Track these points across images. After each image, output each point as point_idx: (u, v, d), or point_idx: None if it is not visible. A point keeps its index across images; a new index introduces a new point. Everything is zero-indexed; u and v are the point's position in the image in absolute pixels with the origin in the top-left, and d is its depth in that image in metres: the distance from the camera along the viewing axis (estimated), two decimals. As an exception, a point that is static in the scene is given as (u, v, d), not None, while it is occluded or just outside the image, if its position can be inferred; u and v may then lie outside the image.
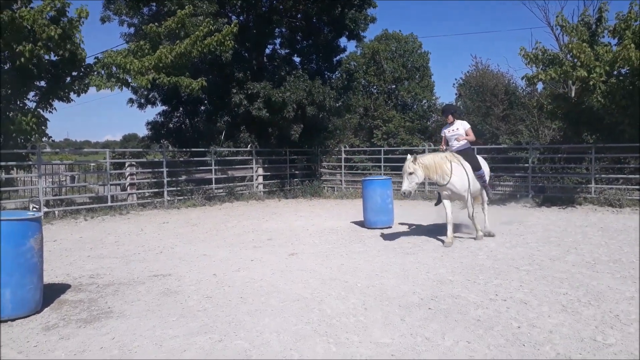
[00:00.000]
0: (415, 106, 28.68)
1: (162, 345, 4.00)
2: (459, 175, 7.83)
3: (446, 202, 8.08)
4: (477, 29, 68.46)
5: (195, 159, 15.54)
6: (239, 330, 4.28)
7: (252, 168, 16.25)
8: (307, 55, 17.52)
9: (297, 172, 17.57)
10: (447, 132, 8.48)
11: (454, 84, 33.85)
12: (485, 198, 8.70)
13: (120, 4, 16.34)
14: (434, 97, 35.06)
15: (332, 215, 12.16)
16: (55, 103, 11.87)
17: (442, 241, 7.97)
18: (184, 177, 14.71)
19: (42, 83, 11.59)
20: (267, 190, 16.43)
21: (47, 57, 10.83)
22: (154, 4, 16.09)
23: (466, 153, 8.26)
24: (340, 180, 17.43)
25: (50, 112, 11.81)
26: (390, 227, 9.89)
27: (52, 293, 5.36)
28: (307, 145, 18.14)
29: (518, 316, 4.50)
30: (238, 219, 11.56)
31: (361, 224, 10.32)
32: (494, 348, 3.82)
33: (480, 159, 8.60)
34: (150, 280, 5.97)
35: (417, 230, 9.57)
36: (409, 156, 7.73)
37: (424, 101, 30.52)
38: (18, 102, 11.37)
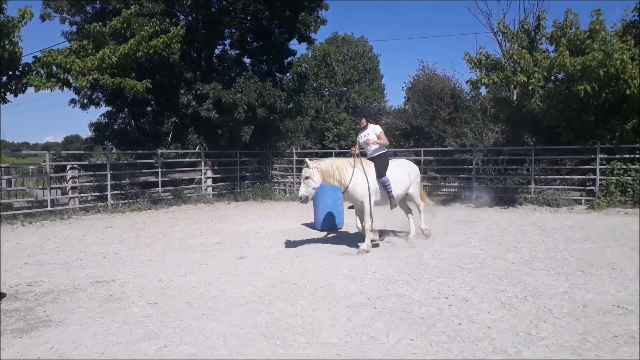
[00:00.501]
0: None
1: (104, 353, 3.90)
2: (359, 182, 7.57)
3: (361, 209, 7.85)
4: (425, 33, 70.47)
5: (141, 161, 15.12)
6: (184, 336, 4.22)
7: (200, 170, 15.97)
8: (258, 57, 17.43)
9: (247, 174, 17.42)
10: (360, 137, 8.17)
11: (402, 87, 34.67)
12: (418, 203, 8.48)
13: (61, 1, 15.71)
14: (384, 100, 35.84)
15: (283, 217, 12.16)
16: (-8, 104, 11.24)
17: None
18: (128, 180, 14.27)
19: (-26, 82, 10.95)
20: (216, 193, 16.20)
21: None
22: (98, 2, 15.56)
23: (379, 158, 7.89)
24: (292, 183, 17.44)
25: (-18, 112, 11.19)
26: (340, 229, 10.03)
27: (-16, 303, 5.10)
28: (258, 147, 18.03)
29: (459, 313, 4.68)
30: (186, 223, 11.34)
31: (312, 225, 10.40)
32: (435, 345, 3.96)
33: (398, 165, 8.19)
34: (92, 287, 5.77)
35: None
36: (306, 160, 7.68)
37: (374, 104, 31.09)
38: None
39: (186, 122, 16.66)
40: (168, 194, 14.88)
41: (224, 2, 16.13)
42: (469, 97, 20.24)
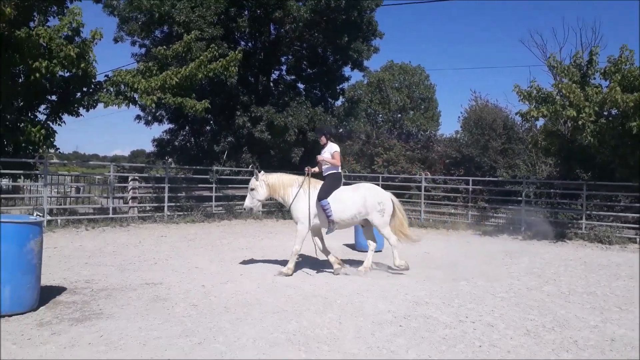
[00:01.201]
0: (419, 135, 29.25)
1: (146, 344, 4.31)
2: (301, 203, 7.49)
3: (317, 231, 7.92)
4: (477, 63, 69.76)
5: (197, 176, 15.95)
6: (218, 336, 4.59)
7: (252, 188, 16.61)
8: (311, 82, 18.11)
9: (296, 194, 17.89)
10: (321, 153, 7.91)
11: (459, 117, 34.49)
12: (385, 235, 7.89)
13: (134, 26, 17.07)
14: (437, 128, 35.74)
15: (326, 237, 12.42)
16: (65, 117, 12.40)
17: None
18: (184, 194, 15.09)
19: (54, 97, 12.13)
20: (265, 210, 16.75)
21: (61, 73, 11.35)
22: (165, 27, 16.77)
23: (327, 179, 7.66)
24: (338, 205, 17.72)
25: (59, 124, 12.34)
26: (381, 251, 10.18)
27: (48, 294, 5.69)
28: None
29: (482, 337, 4.78)
30: (234, 237, 11.87)
31: (353, 246, 10.62)
32: (452, 363, 4.11)
33: (356, 189, 7.81)
34: (141, 288, 6.29)
35: (403, 253, 9.82)
36: (255, 171, 7.73)
37: (427, 131, 31.08)
38: (29, 114, 11.88)
39: (241, 141, 17.45)
40: (221, 208, 15.58)
41: (282, 30, 16.95)
42: (522, 129, 19.95)
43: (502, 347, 4.49)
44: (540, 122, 17.21)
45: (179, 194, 14.92)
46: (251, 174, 16.17)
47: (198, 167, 16.07)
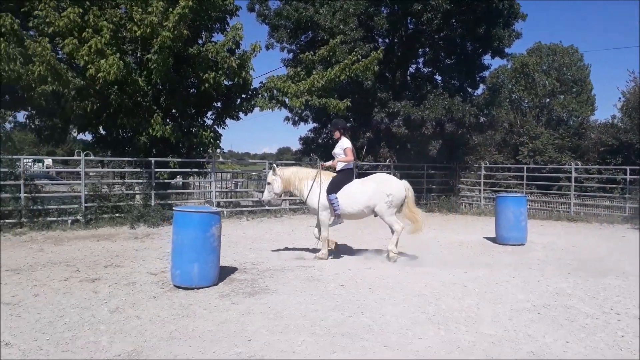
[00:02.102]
0: (571, 122, 27.03)
1: (305, 315, 5.12)
2: (314, 195, 7.84)
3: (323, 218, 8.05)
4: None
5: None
6: (365, 312, 5.24)
7: (390, 181, 17.17)
8: (449, 73, 17.99)
9: (434, 186, 18.03)
10: (335, 147, 8.20)
11: (619, 101, 31.06)
12: (389, 223, 8.09)
13: (282, 33, 18.64)
14: (592, 113, 32.52)
15: (465, 230, 12.52)
16: (227, 121, 14.20)
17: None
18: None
19: (219, 104, 13.98)
20: (405, 203, 17.18)
21: (225, 82, 13.05)
22: (310, 32, 18.04)
23: (340, 174, 7.97)
24: (479, 197, 17.45)
25: (223, 128, 14.21)
26: (523, 245, 10.03)
27: (224, 273, 6.87)
28: (445, 161, 18.50)
29: (626, 328, 4.75)
30: (374, 227, 12.49)
31: (493, 240, 10.60)
32: (590, 349, 4.23)
33: (366, 181, 8.06)
34: (298, 269, 7.23)
35: (550, 247, 9.60)
36: (274, 165, 8.09)
37: (579, 117, 28.58)
38: (200, 120, 13.88)
39: (379, 137, 18.09)
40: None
41: (419, 24, 17.13)
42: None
43: (648, 340, 4.44)
44: None
45: (323, 188, 16.06)
46: (388, 167, 16.88)
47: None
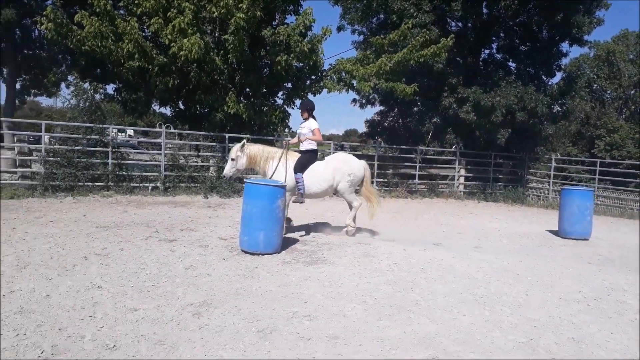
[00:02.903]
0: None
1: (358, 286, 5.52)
2: (279, 175, 7.74)
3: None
4: None
5: (403, 155, 17.08)
6: (415, 288, 5.55)
7: (454, 168, 17.09)
8: (524, 60, 17.42)
9: (501, 176, 17.71)
10: (300, 127, 8.16)
11: None
12: (349, 200, 8.25)
13: (354, 15, 18.80)
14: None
15: (529, 221, 12.36)
16: (296, 101, 14.69)
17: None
18: (390, 171, 16.40)
19: (289, 85, 14.50)
20: (467, 191, 17.06)
21: (295, 64, 13.51)
22: (382, 15, 18.07)
23: (305, 154, 7.97)
24: (548, 190, 16.96)
25: (292, 108, 14.73)
26: (587, 240, 9.84)
27: (286, 243, 7.39)
28: (514, 150, 18.06)
29: (678, 326, 4.75)
30: (434, 213, 12.68)
31: (556, 233, 10.45)
32: (633, 341, 4.31)
33: (329, 160, 8.20)
34: (354, 245, 7.62)
35: (615, 244, 9.36)
36: (244, 141, 7.93)
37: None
38: (271, 99, 14.48)
39: (447, 122, 17.93)
40: (423, 186, 16.50)
41: (494, 11, 16.69)
42: None
43: (699, 339, 4.44)
44: None
45: (386, 171, 16.28)
46: (454, 154, 16.77)
47: (404, 147, 17.18)
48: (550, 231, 10.74)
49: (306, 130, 7.98)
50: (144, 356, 3.53)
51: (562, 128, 18.96)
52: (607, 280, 6.46)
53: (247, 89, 13.83)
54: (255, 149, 7.89)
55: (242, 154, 7.76)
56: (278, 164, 7.84)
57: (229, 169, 7.86)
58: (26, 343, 3.61)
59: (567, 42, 16.70)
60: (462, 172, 17.17)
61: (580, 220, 9.77)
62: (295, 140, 8.38)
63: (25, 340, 3.66)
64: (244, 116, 12.94)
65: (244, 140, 8.02)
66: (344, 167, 8.18)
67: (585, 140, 19.42)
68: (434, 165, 17.30)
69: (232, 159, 7.76)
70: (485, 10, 17.18)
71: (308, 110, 8.15)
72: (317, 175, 7.99)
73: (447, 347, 3.97)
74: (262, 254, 6.61)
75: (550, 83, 17.59)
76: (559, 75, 18.02)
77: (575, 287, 6.00)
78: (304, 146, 8.05)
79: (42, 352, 3.50)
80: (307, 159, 7.97)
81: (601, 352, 4.07)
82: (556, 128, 18.30)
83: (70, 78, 17.86)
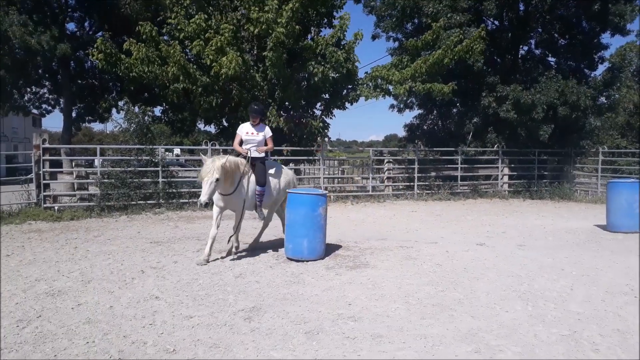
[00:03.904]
0: None
1: (401, 287, 5.68)
2: (243, 190, 7.00)
3: (215, 213, 7.06)
4: None
5: (444, 157, 17.02)
6: (457, 287, 5.66)
7: (497, 167, 16.87)
8: (564, 54, 17.06)
9: (546, 173, 17.33)
10: (246, 133, 7.34)
11: None
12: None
13: (389, 22, 18.97)
14: None
15: (576, 217, 12.09)
16: (335, 111, 15.02)
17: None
18: (432, 174, 16.38)
19: (326, 95, 14.82)
20: (512, 190, 16.79)
21: (332, 75, 13.82)
22: (416, 19, 18.15)
23: (260, 163, 7.30)
24: (596, 184, 16.46)
25: (330, 118, 15.04)
26: (636, 233, 9.55)
27: (330, 249, 7.62)
28: (558, 146, 17.63)
29: None
30: (478, 214, 12.60)
31: (604, 227, 10.21)
32: (680, 331, 4.29)
33: (277, 170, 7.62)
34: (396, 249, 7.78)
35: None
36: (207, 157, 6.78)
37: None
38: (310, 111, 14.85)
39: (487, 122, 17.74)
40: (466, 187, 16.38)
41: (530, 7, 16.47)
42: None
43: None
44: None
45: (427, 174, 16.29)
46: (496, 153, 16.56)
47: (445, 149, 17.12)
48: (599, 226, 10.48)
49: (261, 137, 7.35)
50: (201, 358, 3.84)
51: (609, 120, 18.33)
52: (658, 272, 6.35)
53: (287, 103, 14.25)
54: (230, 160, 6.74)
55: (220, 170, 6.43)
56: (241, 178, 6.96)
57: (210, 193, 6.40)
58: (95, 349, 3.99)
59: (608, 32, 16.25)
60: (506, 170, 16.92)
61: (629, 213, 9.51)
62: (244, 150, 7.32)
63: (94, 347, 4.04)
64: (284, 129, 13.35)
65: (205, 156, 7.25)
66: (290, 176, 8.07)
67: (635, 131, 18.69)
68: (476, 165, 17.13)
69: (217, 179, 6.39)
70: (521, 7, 16.97)
71: (261, 116, 7.58)
72: (274, 186, 7.56)
73: (489, 342, 4.09)
74: (307, 261, 6.88)
75: (593, 75, 17.12)
76: (603, 67, 17.40)
77: (622, 280, 5.94)
78: (254, 153, 7.29)
79: (110, 357, 3.87)
80: (264, 169, 7.34)
81: (646, 343, 4.08)
82: (602, 120, 17.72)
83: (120, 103, 18.90)
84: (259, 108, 7.55)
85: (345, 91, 14.65)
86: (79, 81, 20.03)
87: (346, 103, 14.69)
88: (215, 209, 7.04)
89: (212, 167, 6.36)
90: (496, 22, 18.21)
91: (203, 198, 6.33)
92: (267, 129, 7.53)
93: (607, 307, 4.93)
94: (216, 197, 6.82)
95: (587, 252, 7.70)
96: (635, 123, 18.45)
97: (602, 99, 16.77)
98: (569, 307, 4.97)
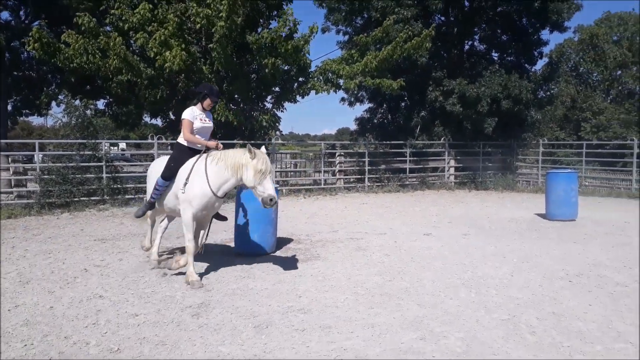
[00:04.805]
0: (642, 95, 25.60)
1: (350, 278, 5.75)
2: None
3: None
4: None
5: (393, 150, 17.33)
6: (404, 276, 5.79)
7: (444, 160, 17.35)
8: (505, 50, 17.73)
9: (490, 164, 17.98)
10: (200, 120, 6.04)
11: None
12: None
13: (338, 16, 19.05)
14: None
15: (518, 207, 12.61)
16: (286, 104, 14.92)
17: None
18: (382, 167, 16.65)
19: (277, 88, 14.71)
20: (458, 181, 17.33)
21: (283, 67, 13.71)
22: (365, 13, 18.32)
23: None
24: (537, 175, 17.25)
25: (281, 111, 14.96)
26: (574, 220, 10.09)
27: (281, 243, 7.63)
28: (501, 139, 18.33)
29: (653, 295, 5.00)
30: (426, 205, 12.92)
31: (544, 216, 10.70)
32: (611, 311, 4.57)
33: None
34: (347, 241, 7.86)
35: (601, 223, 9.63)
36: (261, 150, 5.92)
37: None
38: (259, 104, 14.70)
39: (434, 115, 18.19)
40: (414, 179, 16.76)
41: (475, 3, 16.97)
42: None
43: (671, 305, 4.69)
44: None
45: (377, 167, 16.53)
46: (442, 146, 17.02)
47: (394, 142, 17.42)
48: (539, 214, 10.99)
49: (211, 124, 6.28)
50: (147, 356, 3.74)
51: (549, 113, 19.23)
52: (590, 257, 6.73)
53: (236, 96, 14.03)
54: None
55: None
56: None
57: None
58: (34, 352, 3.81)
59: (547, 29, 17.02)
60: (452, 163, 17.43)
61: (567, 202, 10.03)
62: (212, 143, 6.09)
63: (33, 349, 3.86)
64: (234, 122, 13.14)
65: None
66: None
67: (572, 123, 19.72)
68: (424, 158, 17.55)
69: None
70: (466, 3, 17.47)
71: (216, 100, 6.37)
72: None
73: (434, 329, 4.21)
74: (257, 255, 6.83)
75: (533, 70, 17.91)
76: (542, 62, 18.24)
77: (558, 266, 6.25)
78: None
79: (49, 359, 3.70)
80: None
81: (579, 323, 4.31)
82: (542, 113, 18.57)
83: (61, 96, 18.03)
84: (217, 90, 6.43)
85: (296, 84, 14.60)
86: (15, 72, 18.92)
87: (297, 96, 14.65)
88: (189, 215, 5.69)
89: (264, 161, 5.62)
90: (442, 18, 18.65)
91: (274, 193, 5.55)
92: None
93: (544, 292, 5.18)
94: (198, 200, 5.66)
95: (528, 240, 8.06)
96: (572, 116, 19.43)
97: (542, 93, 17.55)
98: (510, 292, 5.19)
